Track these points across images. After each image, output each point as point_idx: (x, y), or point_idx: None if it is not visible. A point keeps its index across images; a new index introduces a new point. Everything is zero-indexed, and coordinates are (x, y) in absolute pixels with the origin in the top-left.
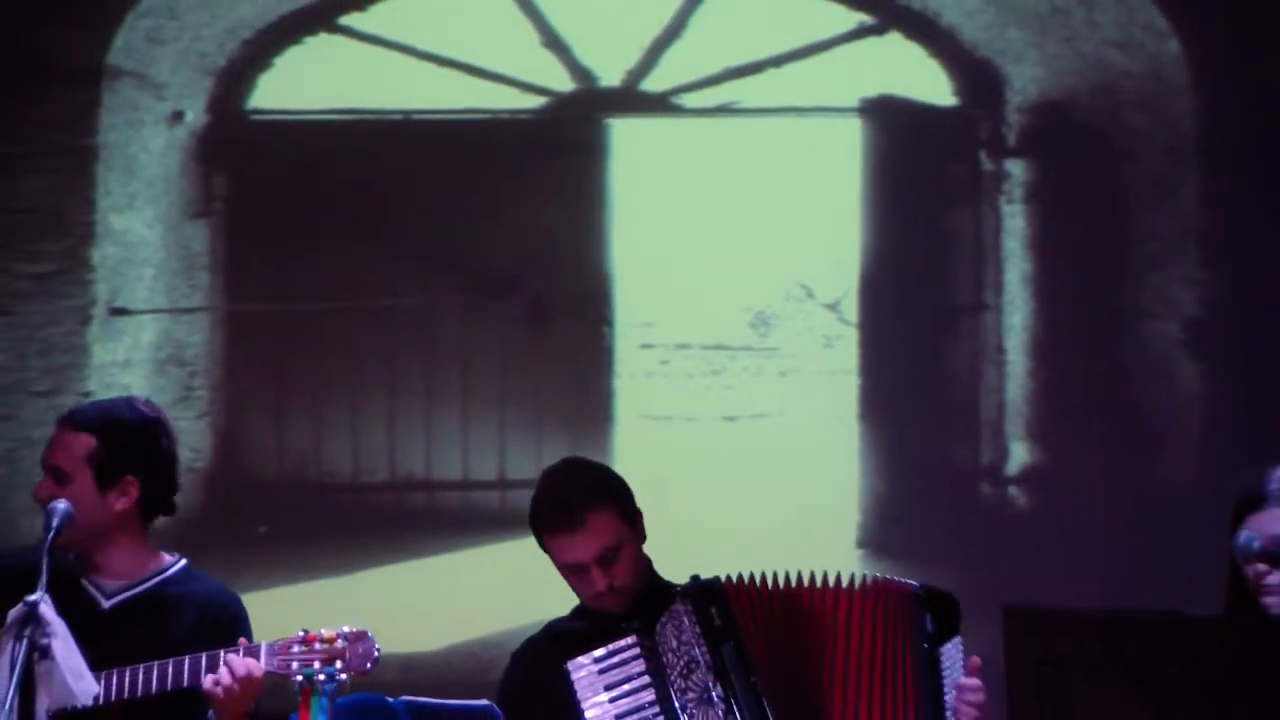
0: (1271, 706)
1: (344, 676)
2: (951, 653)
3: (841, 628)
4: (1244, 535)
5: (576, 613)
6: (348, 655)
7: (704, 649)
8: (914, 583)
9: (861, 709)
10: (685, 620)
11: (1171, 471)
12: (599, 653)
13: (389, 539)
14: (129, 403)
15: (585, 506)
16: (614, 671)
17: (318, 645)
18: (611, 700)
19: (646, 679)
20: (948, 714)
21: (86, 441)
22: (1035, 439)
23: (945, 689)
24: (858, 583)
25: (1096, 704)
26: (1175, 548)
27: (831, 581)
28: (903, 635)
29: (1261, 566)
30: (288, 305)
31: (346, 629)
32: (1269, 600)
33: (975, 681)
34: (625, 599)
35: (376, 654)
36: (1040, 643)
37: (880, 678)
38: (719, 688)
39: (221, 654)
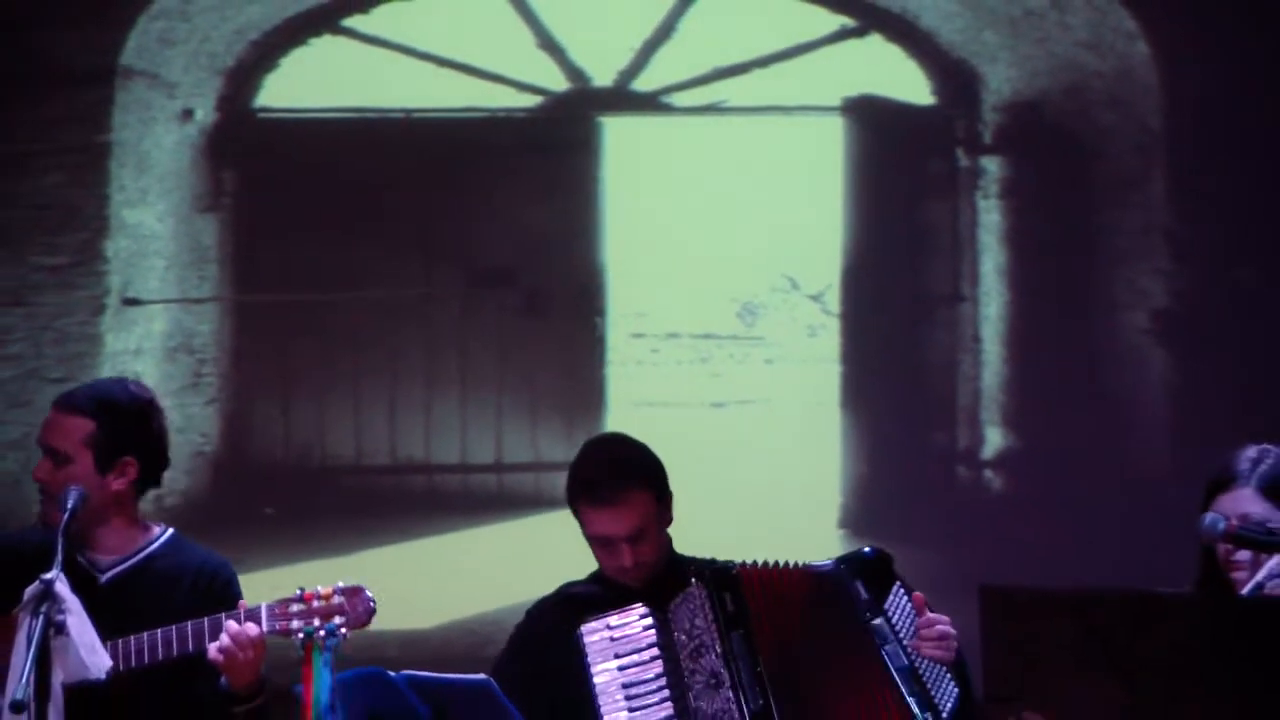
0: (1240, 682)
1: (344, 631)
2: (896, 602)
3: (819, 610)
4: (1209, 517)
5: (593, 578)
6: (346, 610)
7: (715, 635)
8: (829, 562)
9: (844, 692)
10: (699, 603)
11: (1140, 455)
12: (613, 620)
13: (390, 520)
14: (121, 384)
15: (624, 485)
16: (625, 641)
17: (315, 603)
18: (620, 669)
19: (656, 652)
20: (917, 663)
21: (84, 425)
22: (1010, 425)
23: (904, 643)
24: (805, 569)
25: (1071, 680)
26: (1144, 527)
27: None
28: (849, 614)
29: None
30: (293, 296)
31: (342, 584)
32: (1238, 576)
33: (932, 617)
34: (646, 575)
35: (373, 606)
36: (1016, 621)
37: (851, 658)
38: (727, 675)
39: (222, 618)
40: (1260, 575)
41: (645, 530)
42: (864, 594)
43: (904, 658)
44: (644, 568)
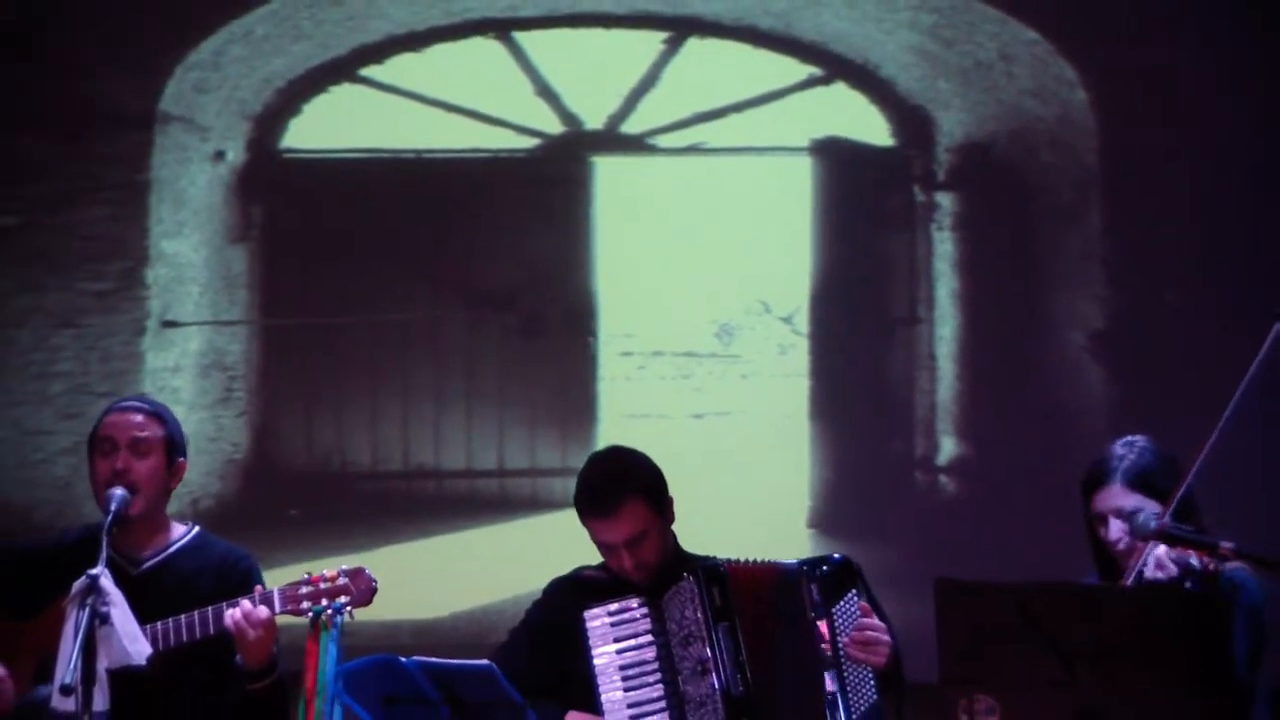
0: (1163, 663)
1: (349, 609)
2: (845, 607)
3: (784, 603)
4: (1142, 516)
5: (603, 565)
6: (350, 590)
7: (704, 626)
8: (793, 562)
9: (789, 680)
10: (690, 596)
11: (1078, 461)
12: (613, 607)
13: (403, 521)
14: (154, 400)
15: (619, 497)
16: (623, 627)
17: (322, 584)
18: (618, 652)
19: (650, 638)
20: (845, 666)
21: (159, 426)
22: (962, 434)
23: (841, 645)
24: (772, 565)
25: (1017, 664)
26: (1082, 527)
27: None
28: (800, 611)
29: (1114, 533)
30: (315, 319)
31: (345, 567)
32: (1129, 563)
33: (864, 622)
34: (648, 574)
35: (374, 585)
36: (967, 611)
37: (797, 652)
38: (713, 663)
39: (239, 602)
40: (1146, 567)
41: (642, 535)
42: (815, 596)
43: (834, 658)
44: (644, 568)
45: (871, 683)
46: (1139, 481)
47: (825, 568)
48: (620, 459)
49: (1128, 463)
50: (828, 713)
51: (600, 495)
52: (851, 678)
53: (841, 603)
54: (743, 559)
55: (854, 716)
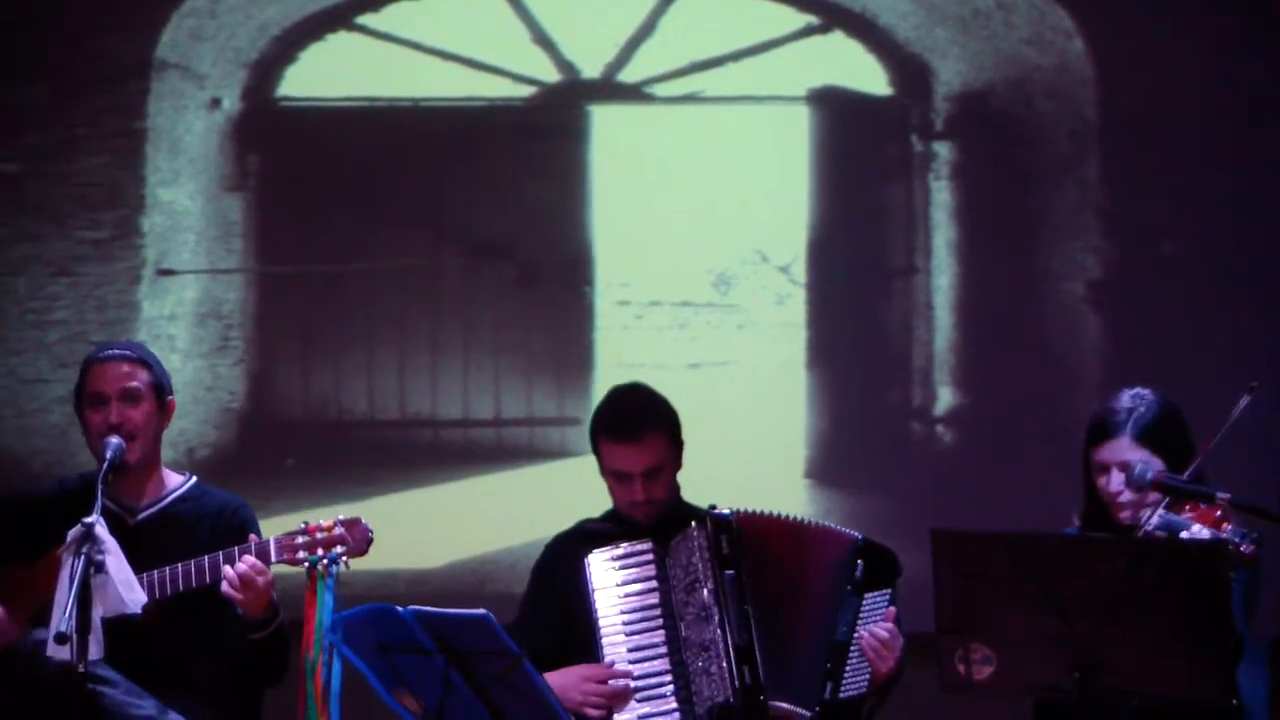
0: (1155, 613)
1: (345, 559)
2: (877, 600)
3: (805, 563)
4: (1139, 466)
5: (607, 516)
6: (346, 539)
7: (709, 572)
8: (857, 535)
9: (802, 636)
10: (697, 542)
11: (1075, 411)
12: (618, 551)
13: (399, 470)
14: (134, 341)
15: (645, 426)
16: (628, 570)
17: (319, 534)
18: (622, 595)
19: (654, 583)
20: (852, 649)
21: (144, 371)
22: (959, 384)
23: (858, 627)
24: (815, 526)
25: (1010, 613)
26: (1078, 477)
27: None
28: (835, 577)
29: (1115, 485)
30: (312, 267)
31: (341, 516)
32: (1124, 515)
33: (886, 625)
34: (656, 511)
35: (370, 535)
36: (963, 560)
37: (817, 610)
38: (716, 609)
39: (235, 552)
40: (1151, 524)
41: (659, 469)
42: (859, 573)
43: (845, 635)
44: (655, 504)
45: (868, 674)
46: (1147, 436)
47: (878, 554)
48: (649, 392)
49: (1137, 415)
50: (825, 683)
51: (628, 422)
52: (854, 662)
53: (875, 594)
54: (755, 510)
55: (840, 695)
